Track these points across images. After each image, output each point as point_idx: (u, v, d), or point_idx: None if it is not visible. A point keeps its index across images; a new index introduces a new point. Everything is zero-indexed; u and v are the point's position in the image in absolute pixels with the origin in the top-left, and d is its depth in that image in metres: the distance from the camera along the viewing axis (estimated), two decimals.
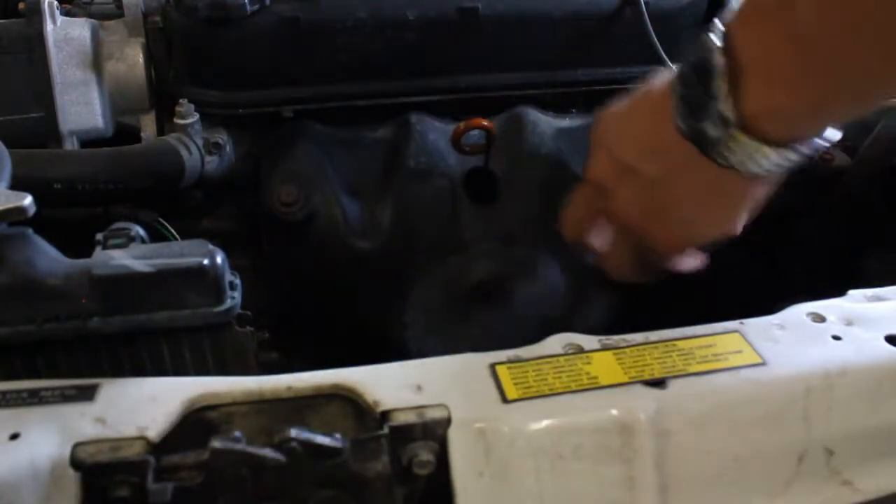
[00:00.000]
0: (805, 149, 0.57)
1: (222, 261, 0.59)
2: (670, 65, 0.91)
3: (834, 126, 0.58)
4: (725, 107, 0.54)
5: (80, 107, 0.87)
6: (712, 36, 0.55)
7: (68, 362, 0.58)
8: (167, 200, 0.87)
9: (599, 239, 0.72)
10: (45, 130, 0.86)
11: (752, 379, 0.56)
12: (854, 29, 0.48)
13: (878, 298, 0.65)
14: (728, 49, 0.54)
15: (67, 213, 0.84)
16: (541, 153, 0.92)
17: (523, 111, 0.93)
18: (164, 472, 0.50)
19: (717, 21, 0.56)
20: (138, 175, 0.80)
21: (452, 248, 0.90)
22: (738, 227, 0.64)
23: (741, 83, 0.54)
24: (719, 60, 0.54)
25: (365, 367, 0.56)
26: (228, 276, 0.60)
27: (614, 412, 0.53)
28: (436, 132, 0.91)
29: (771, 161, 0.56)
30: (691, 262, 0.70)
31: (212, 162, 0.87)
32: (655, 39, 0.90)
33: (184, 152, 0.82)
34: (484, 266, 0.91)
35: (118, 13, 0.94)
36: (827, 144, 0.58)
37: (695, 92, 0.56)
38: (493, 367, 0.56)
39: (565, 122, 0.96)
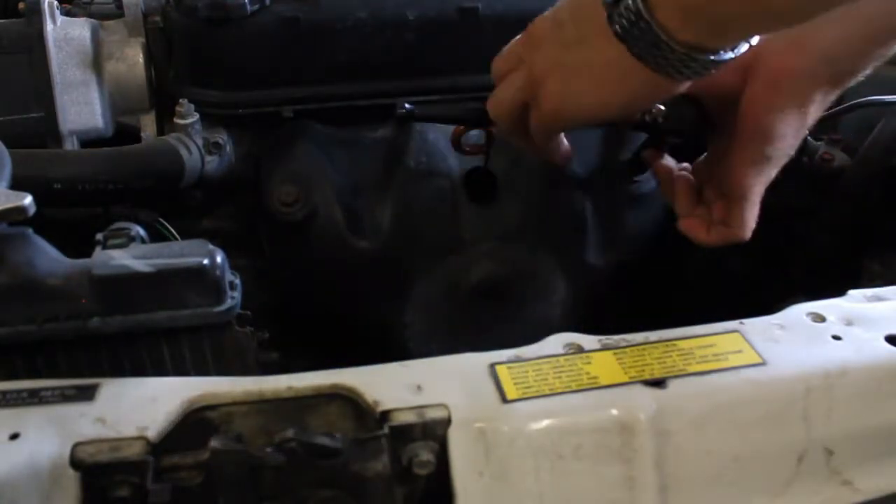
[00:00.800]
0: (699, 61, 0.57)
1: (222, 261, 0.59)
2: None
3: (737, 41, 0.58)
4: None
5: (80, 107, 0.87)
6: None
7: (68, 362, 0.58)
8: (167, 200, 0.87)
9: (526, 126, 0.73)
10: (45, 130, 0.86)
11: (752, 379, 0.56)
12: None
13: (878, 298, 0.65)
14: None
15: (67, 213, 0.84)
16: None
17: None
18: (163, 472, 0.50)
19: None
20: (138, 175, 0.80)
21: (452, 248, 0.90)
22: (613, 112, 0.64)
23: None
24: None
25: (365, 367, 0.56)
26: (228, 276, 0.60)
27: (614, 412, 0.53)
28: (436, 132, 0.91)
29: (666, 56, 0.57)
30: (557, 149, 0.74)
31: (212, 162, 0.87)
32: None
33: (184, 152, 0.82)
34: (484, 266, 0.91)
35: (118, 13, 0.94)
36: (721, 59, 0.58)
37: None
38: (493, 366, 0.56)
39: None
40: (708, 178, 0.74)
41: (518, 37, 0.72)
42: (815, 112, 0.67)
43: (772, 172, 0.69)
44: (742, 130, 0.67)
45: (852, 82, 0.66)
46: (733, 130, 0.68)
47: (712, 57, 0.57)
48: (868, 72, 0.65)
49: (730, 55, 0.58)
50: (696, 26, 0.56)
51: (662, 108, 0.71)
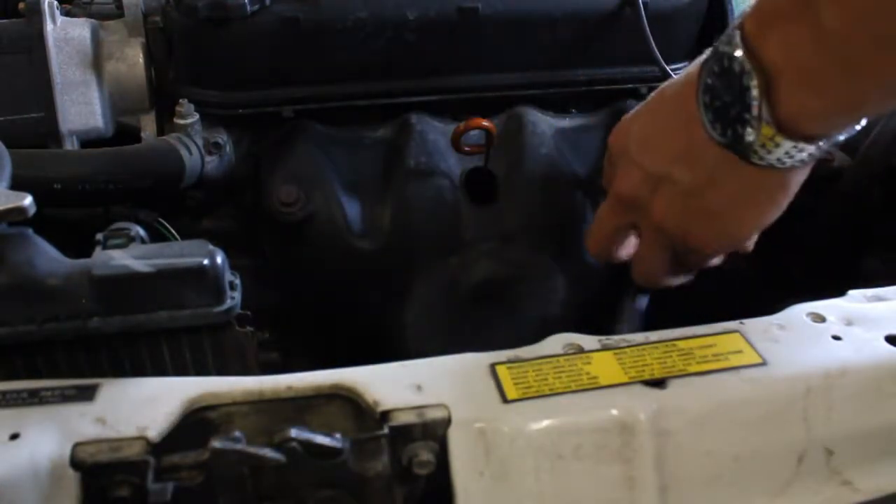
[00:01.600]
0: (842, 136, 0.58)
1: (222, 261, 0.59)
2: (664, 66, 0.91)
3: (870, 116, 0.58)
4: (762, 113, 0.55)
5: (80, 107, 0.87)
6: (732, 41, 0.55)
7: (68, 362, 0.58)
8: (167, 200, 0.87)
9: (628, 250, 0.74)
10: (45, 130, 0.86)
11: (752, 379, 0.56)
12: (877, 29, 0.49)
13: (878, 298, 0.65)
14: (752, 54, 0.54)
15: (67, 213, 0.84)
16: (540, 153, 0.91)
17: (523, 111, 0.93)
18: (164, 472, 0.50)
19: (731, 26, 0.56)
20: (138, 175, 0.80)
21: (452, 248, 0.90)
22: (777, 216, 0.64)
23: (772, 88, 0.54)
24: (747, 66, 0.54)
25: (365, 367, 0.56)
26: (228, 276, 0.60)
27: (614, 412, 0.53)
28: (436, 132, 0.91)
29: (808, 153, 0.57)
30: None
31: (212, 162, 0.87)
32: (651, 39, 0.90)
33: (184, 152, 0.82)
34: (484, 266, 0.91)
35: (118, 13, 0.94)
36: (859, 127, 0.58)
37: (725, 99, 0.57)
38: (493, 367, 0.56)
39: (565, 122, 0.96)
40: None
41: (602, 206, 0.73)
42: None
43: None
44: None
45: None
46: None
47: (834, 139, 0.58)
48: None
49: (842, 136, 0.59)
50: (828, 123, 0.56)
51: None
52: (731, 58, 0.55)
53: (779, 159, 0.57)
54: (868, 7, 0.48)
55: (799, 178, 0.62)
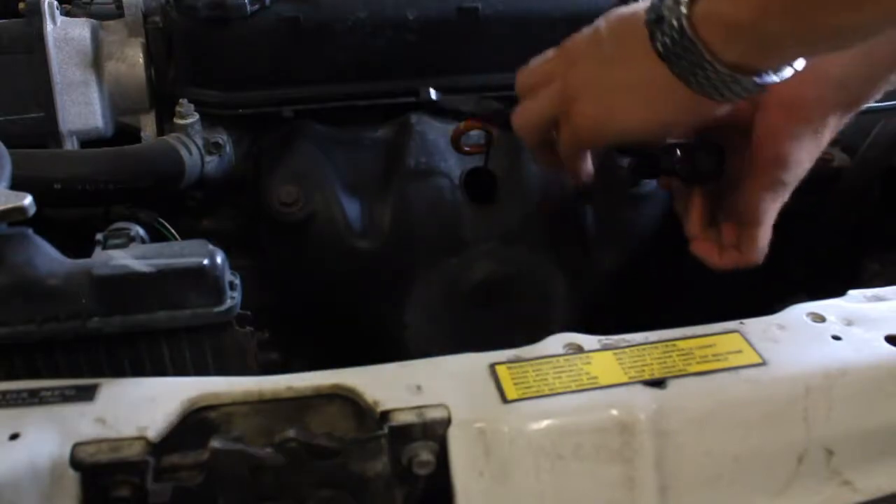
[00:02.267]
0: (742, 83, 0.56)
1: (222, 261, 0.59)
2: None
3: (781, 63, 0.57)
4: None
5: (80, 107, 0.87)
6: None
7: (68, 362, 0.58)
8: (167, 200, 0.87)
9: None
10: (45, 130, 0.86)
11: (752, 379, 0.56)
12: None
13: (878, 298, 0.65)
14: None
15: (67, 213, 0.84)
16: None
17: None
18: (163, 472, 0.50)
19: None
20: (138, 175, 0.80)
21: (452, 249, 0.90)
22: (648, 132, 0.64)
23: None
24: None
25: (365, 367, 0.56)
26: (228, 276, 0.60)
27: (614, 412, 0.53)
28: (436, 132, 0.91)
29: (709, 76, 0.56)
30: (581, 167, 0.71)
31: (212, 162, 0.87)
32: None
33: (184, 152, 0.82)
34: (484, 266, 0.91)
35: (118, 13, 0.94)
36: (764, 82, 0.57)
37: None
38: (492, 367, 0.56)
39: None
40: (719, 202, 0.73)
41: (549, 51, 0.71)
42: (828, 135, 0.67)
43: (785, 196, 0.69)
44: (757, 158, 0.67)
45: (865, 105, 0.66)
46: (747, 158, 0.68)
47: (756, 79, 0.56)
48: (880, 94, 0.65)
49: (773, 78, 0.57)
50: (741, 46, 0.54)
51: (680, 153, 0.69)
52: None
53: (675, 55, 0.56)
54: None
55: (690, 106, 0.60)
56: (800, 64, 0.57)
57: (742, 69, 0.56)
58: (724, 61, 0.55)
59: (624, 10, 0.65)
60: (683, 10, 0.55)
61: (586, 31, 0.67)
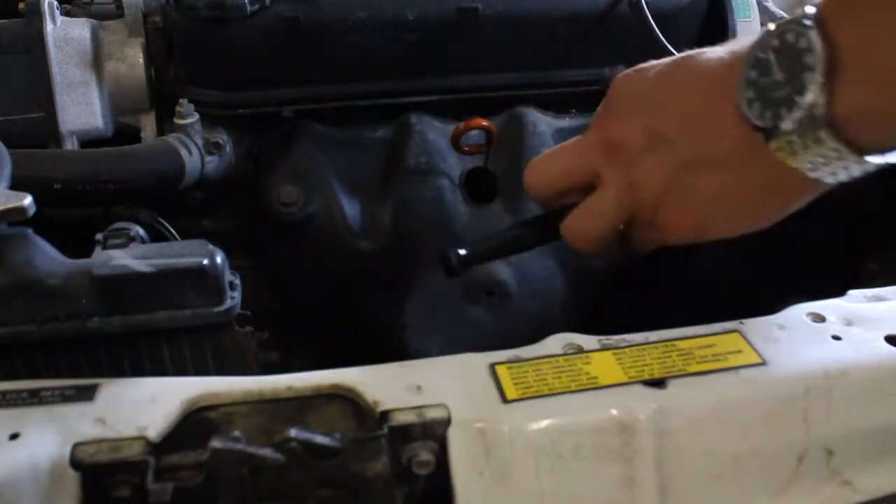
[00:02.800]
0: (883, 159, 0.50)
1: (222, 261, 0.59)
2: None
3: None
4: (817, 101, 0.48)
5: (80, 107, 0.87)
6: (806, 19, 0.49)
7: (68, 362, 0.58)
8: (167, 200, 0.87)
9: (572, 198, 0.64)
10: (45, 130, 0.86)
11: (752, 379, 0.56)
12: None
13: (878, 298, 0.65)
14: (827, 37, 0.48)
15: (67, 213, 0.84)
16: (540, 153, 0.91)
17: (523, 111, 0.93)
18: (164, 472, 0.50)
19: (808, 5, 0.50)
20: (138, 175, 0.80)
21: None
22: (761, 226, 0.58)
23: (838, 78, 0.47)
24: (818, 47, 0.48)
25: (365, 367, 0.56)
26: (228, 276, 0.60)
27: (614, 412, 0.53)
28: (436, 132, 0.91)
29: (845, 168, 0.50)
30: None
31: (212, 162, 0.87)
32: (661, 36, 0.90)
33: (184, 152, 0.82)
34: (484, 267, 0.91)
35: (118, 13, 0.94)
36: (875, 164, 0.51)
37: (776, 77, 0.50)
38: (492, 367, 0.56)
39: (565, 122, 0.96)
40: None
41: (570, 143, 0.65)
42: None
43: None
44: None
45: None
46: None
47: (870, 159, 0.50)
48: None
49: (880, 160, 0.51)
50: (871, 133, 0.49)
51: None
52: (800, 33, 0.48)
53: (812, 161, 0.50)
54: None
55: (811, 194, 0.55)
56: None
57: (881, 150, 0.50)
58: (865, 150, 0.49)
59: (668, 88, 0.57)
60: (820, 110, 0.48)
61: (632, 121, 0.59)
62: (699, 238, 0.60)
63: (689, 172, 0.57)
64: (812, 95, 0.48)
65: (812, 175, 0.51)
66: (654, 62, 0.62)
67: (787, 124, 0.49)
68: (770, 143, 0.51)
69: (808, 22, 0.49)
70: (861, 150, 0.49)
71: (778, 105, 0.50)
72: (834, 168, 0.50)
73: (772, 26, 0.52)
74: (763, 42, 0.52)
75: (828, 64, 0.48)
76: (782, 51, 0.50)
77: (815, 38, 0.48)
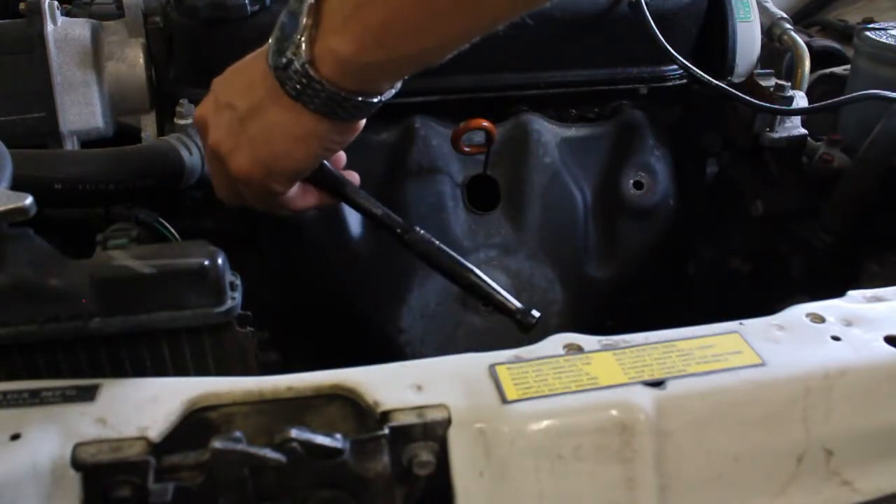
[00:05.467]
0: (363, 105, 0.64)
1: (222, 261, 0.59)
2: (682, 61, 0.91)
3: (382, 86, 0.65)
4: (302, 40, 0.61)
5: (81, 107, 0.87)
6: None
7: (69, 362, 0.58)
8: (167, 200, 0.87)
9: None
10: (45, 130, 0.86)
11: (752, 379, 0.56)
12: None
13: (878, 299, 0.65)
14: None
15: (67, 214, 0.84)
16: (544, 162, 0.92)
17: (528, 119, 0.93)
18: (164, 472, 0.50)
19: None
20: (138, 175, 0.80)
21: None
22: (309, 164, 0.70)
23: (319, 24, 0.61)
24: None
25: (365, 368, 0.56)
26: (228, 277, 0.60)
27: (614, 412, 0.53)
28: (439, 137, 0.92)
29: (340, 104, 0.63)
30: (302, 200, 0.76)
31: None
32: (661, 36, 0.90)
33: (184, 152, 0.82)
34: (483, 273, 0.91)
35: (118, 13, 0.94)
36: (372, 102, 0.65)
37: (286, 27, 0.63)
38: (492, 367, 0.56)
39: (570, 132, 0.96)
40: None
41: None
42: None
43: None
44: None
45: None
46: None
47: (369, 100, 0.65)
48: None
49: (377, 99, 0.66)
50: (352, 78, 0.63)
51: None
52: None
53: (308, 95, 0.63)
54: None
55: (336, 133, 0.67)
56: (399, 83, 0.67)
57: (360, 94, 0.64)
58: (346, 90, 0.63)
59: (234, 66, 0.70)
60: (304, 55, 0.62)
61: (206, 101, 0.71)
62: (265, 181, 0.69)
63: (243, 124, 0.68)
64: (300, 33, 0.62)
65: (313, 110, 0.64)
66: None
67: (288, 56, 0.62)
68: (284, 87, 0.63)
69: None
70: (343, 89, 0.63)
71: (284, 50, 0.63)
72: (330, 105, 0.64)
73: None
74: (288, 6, 0.64)
75: (314, 10, 0.61)
76: (290, 12, 0.63)
77: None
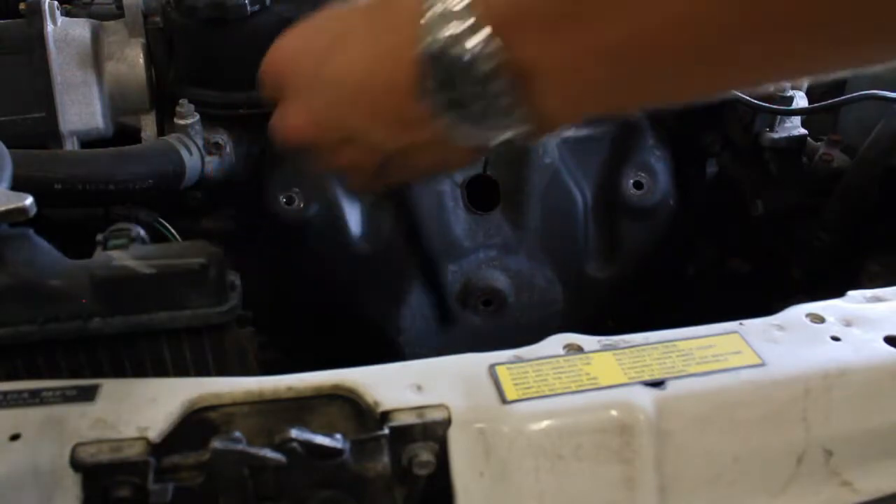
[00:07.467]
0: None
1: (222, 261, 0.59)
2: None
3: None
4: (517, 111, 0.48)
5: (81, 107, 0.87)
6: (476, 39, 0.46)
7: (69, 363, 0.58)
8: (167, 200, 0.87)
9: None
10: (45, 130, 0.86)
11: (752, 380, 0.56)
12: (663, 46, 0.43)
13: (878, 299, 0.65)
14: (511, 55, 0.46)
15: (67, 213, 0.84)
16: (544, 163, 0.92)
17: None
18: (164, 472, 0.50)
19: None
20: (138, 175, 0.80)
21: (451, 256, 0.90)
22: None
23: (534, 93, 0.47)
24: (498, 69, 0.47)
25: (365, 368, 0.56)
26: (229, 277, 0.60)
27: (614, 413, 0.53)
28: None
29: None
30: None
31: (212, 162, 0.87)
32: None
33: (184, 153, 0.82)
34: (482, 275, 0.91)
35: (118, 13, 0.94)
36: None
37: (462, 85, 0.48)
38: (493, 367, 0.56)
39: (570, 132, 0.96)
40: None
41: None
42: None
43: None
44: None
45: None
46: None
47: None
48: None
49: None
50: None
51: None
52: (475, 53, 0.46)
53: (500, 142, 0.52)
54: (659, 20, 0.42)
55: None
56: None
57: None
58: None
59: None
60: (523, 118, 0.49)
61: (299, 106, 0.60)
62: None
63: (393, 157, 0.58)
64: (505, 100, 0.47)
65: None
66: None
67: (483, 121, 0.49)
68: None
69: (475, 35, 0.46)
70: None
71: (475, 106, 0.48)
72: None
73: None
74: (433, 40, 0.47)
75: (514, 79, 0.47)
76: (451, 58, 0.47)
77: (492, 54, 0.46)
